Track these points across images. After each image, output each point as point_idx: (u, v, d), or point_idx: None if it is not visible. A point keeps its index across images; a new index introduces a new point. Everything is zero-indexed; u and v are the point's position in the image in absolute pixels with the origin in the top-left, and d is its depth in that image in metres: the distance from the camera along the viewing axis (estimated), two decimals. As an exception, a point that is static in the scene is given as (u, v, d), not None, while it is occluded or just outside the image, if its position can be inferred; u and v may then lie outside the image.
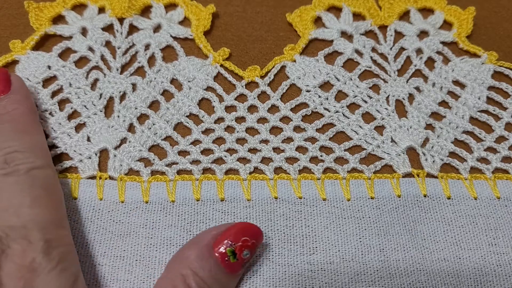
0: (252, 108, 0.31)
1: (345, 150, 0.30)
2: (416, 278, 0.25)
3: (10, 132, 0.25)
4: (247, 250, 0.23)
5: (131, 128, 0.30)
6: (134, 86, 0.31)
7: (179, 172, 0.28)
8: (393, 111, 0.31)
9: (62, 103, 0.30)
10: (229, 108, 0.31)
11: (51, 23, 0.33)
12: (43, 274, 0.21)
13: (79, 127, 0.30)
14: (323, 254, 0.26)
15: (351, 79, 0.33)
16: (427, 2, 0.36)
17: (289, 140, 0.30)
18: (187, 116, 0.30)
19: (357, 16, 0.36)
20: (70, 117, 0.30)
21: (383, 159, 0.29)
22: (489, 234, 0.27)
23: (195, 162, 0.29)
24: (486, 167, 0.29)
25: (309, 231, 0.26)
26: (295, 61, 0.33)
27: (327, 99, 0.32)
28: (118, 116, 0.30)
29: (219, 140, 0.30)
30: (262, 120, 0.31)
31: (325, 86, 0.32)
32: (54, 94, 0.31)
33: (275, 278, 0.25)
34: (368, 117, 0.31)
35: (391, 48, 0.34)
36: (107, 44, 0.33)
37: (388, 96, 0.32)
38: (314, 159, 0.29)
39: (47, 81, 0.31)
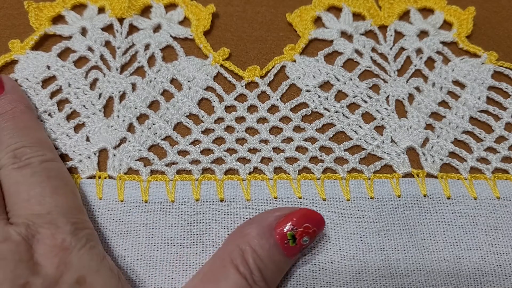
0: (252, 108, 0.31)
1: (345, 150, 0.30)
2: (416, 277, 0.25)
3: (14, 129, 0.26)
4: (307, 236, 0.24)
5: (130, 128, 0.30)
6: (133, 86, 0.31)
7: (178, 172, 0.28)
8: (393, 111, 0.31)
9: (61, 103, 0.30)
10: (229, 108, 0.31)
11: (50, 23, 0.33)
12: (74, 251, 0.22)
13: (78, 127, 0.30)
14: (324, 253, 0.26)
15: (351, 79, 0.33)
16: (427, 2, 0.36)
17: (289, 140, 0.30)
18: (187, 116, 0.30)
19: (357, 16, 0.36)
20: (69, 117, 0.30)
21: (383, 159, 0.29)
22: (489, 234, 0.27)
23: (195, 162, 0.29)
24: (486, 167, 0.29)
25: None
26: (295, 61, 0.33)
27: (327, 99, 0.32)
28: (118, 116, 0.30)
29: (219, 140, 0.30)
30: (262, 120, 0.31)
31: (325, 86, 0.32)
32: (53, 94, 0.31)
33: (277, 284, 0.25)
34: (368, 117, 0.31)
35: (391, 48, 0.34)
36: (107, 44, 0.33)
37: (388, 96, 0.32)
38: (314, 159, 0.29)
39: (46, 81, 0.31)
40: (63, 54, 0.32)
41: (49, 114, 0.30)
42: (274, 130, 0.30)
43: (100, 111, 0.30)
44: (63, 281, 0.21)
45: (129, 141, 0.29)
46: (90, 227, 0.24)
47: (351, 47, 0.34)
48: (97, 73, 0.31)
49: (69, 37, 0.33)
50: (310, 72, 0.33)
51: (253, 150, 0.30)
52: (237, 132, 0.30)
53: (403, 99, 0.32)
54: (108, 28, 0.33)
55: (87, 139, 0.29)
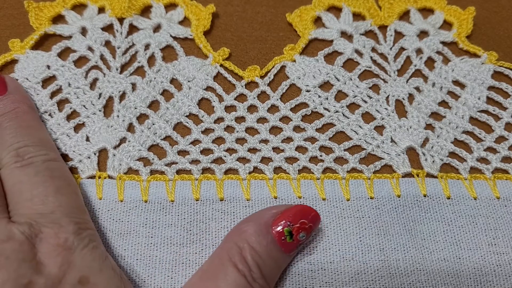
0: (252, 108, 0.31)
1: (344, 150, 0.30)
2: (416, 278, 0.25)
3: (17, 129, 0.26)
4: (303, 232, 0.24)
5: (130, 128, 0.30)
6: (133, 86, 0.31)
7: (178, 171, 0.28)
8: (393, 111, 0.31)
9: (61, 103, 0.30)
10: (229, 108, 0.31)
11: (51, 23, 0.33)
12: (77, 251, 0.22)
13: (78, 127, 0.30)
14: (323, 253, 0.26)
15: (351, 79, 0.33)
16: (427, 2, 0.36)
17: (288, 140, 0.30)
18: (186, 116, 0.30)
19: (357, 16, 0.36)
20: (69, 117, 0.30)
21: (383, 159, 0.29)
22: (488, 234, 0.27)
23: (195, 161, 0.29)
24: (486, 167, 0.29)
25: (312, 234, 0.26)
26: (295, 61, 0.33)
27: (327, 99, 0.32)
28: (118, 116, 0.30)
29: (219, 140, 0.30)
30: (262, 120, 0.31)
31: (325, 86, 0.32)
32: (53, 94, 0.31)
33: (276, 281, 0.25)
34: (368, 117, 0.31)
35: (391, 48, 0.34)
36: (107, 43, 0.33)
37: (388, 96, 0.32)
38: (313, 159, 0.29)
39: (46, 81, 0.31)
40: (63, 53, 0.32)
41: (50, 115, 0.30)
42: (274, 130, 0.30)
43: (100, 111, 0.30)
44: (65, 281, 0.21)
45: (129, 141, 0.29)
46: (92, 228, 0.24)
47: (351, 47, 0.34)
48: (97, 73, 0.31)
49: (69, 37, 0.33)
50: (310, 72, 0.33)
51: (253, 150, 0.29)
52: (237, 132, 0.30)
53: (403, 99, 0.32)
54: (108, 28, 0.34)
55: (87, 139, 0.29)
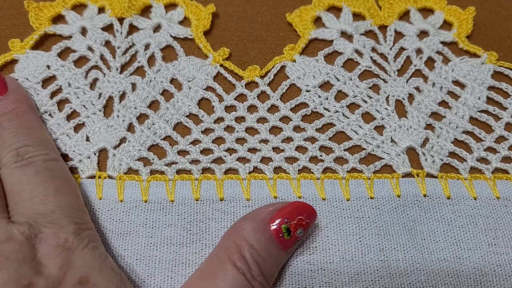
0: (252, 108, 0.31)
1: (344, 150, 0.30)
2: (416, 278, 0.25)
3: (17, 128, 0.26)
4: (301, 228, 0.24)
5: (130, 128, 0.30)
6: (133, 86, 0.31)
7: (178, 171, 0.28)
8: (393, 111, 0.31)
9: (61, 103, 0.30)
10: (229, 108, 0.31)
11: (50, 23, 0.33)
12: (77, 251, 0.22)
13: (78, 127, 0.30)
14: (323, 253, 0.26)
15: (351, 79, 0.33)
16: (427, 2, 0.36)
17: (288, 140, 0.30)
18: (186, 116, 0.30)
19: (357, 16, 0.36)
20: (69, 117, 0.30)
21: (383, 159, 0.29)
22: (488, 234, 0.27)
23: (195, 161, 0.29)
24: (486, 167, 0.29)
25: (309, 230, 0.26)
26: (295, 61, 0.33)
27: (327, 99, 0.32)
28: (118, 116, 0.30)
29: (219, 140, 0.30)
30: (262, 120, 0.31)
31: (325, 86, 0.32)
32: (53, 94, 0.31)
33: (275, 278, 0.25)
34: (368, 117, 0.31)
35: (391, 48, 0.34)
36: (107, 43, 0.33)
37: (388, 96, 0.32)
38: (313, 159, 0.29)
39: (46, 81, 0.31)
40: (63, 53, 0.32)
41: (50, 115, 0.30)
42: (274, 130, 0.30)
43: (100, 111, 0.30)
44: (66, 282, 0.21)
45: (129, 141, 0.29)
46: (92, 228, 0.24)
47: (351, 47, 0.34)
48: (97, 73, 0.31)
49: (69, 37, 0.33)
50: (310, 72, 0.33)
51: (253, 150, 0.29)
52: (237, 132, 0.30)
53: (403, 99, 0.32)
54: (108, 28, 0.34)
55: (87, 139, 0.29)
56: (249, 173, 0.28)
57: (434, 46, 0.34)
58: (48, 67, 0.31)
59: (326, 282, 0.25)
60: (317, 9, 0.35)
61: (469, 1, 0.37)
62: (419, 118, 0.31)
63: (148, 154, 0.29)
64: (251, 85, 0.32)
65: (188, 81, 0.32)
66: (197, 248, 0.26)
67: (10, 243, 0.21)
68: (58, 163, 0.26)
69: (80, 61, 0.32)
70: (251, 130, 0.30)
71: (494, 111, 0.32)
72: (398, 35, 0.35)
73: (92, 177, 0.28)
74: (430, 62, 0.34)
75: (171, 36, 0.34)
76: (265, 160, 0.29)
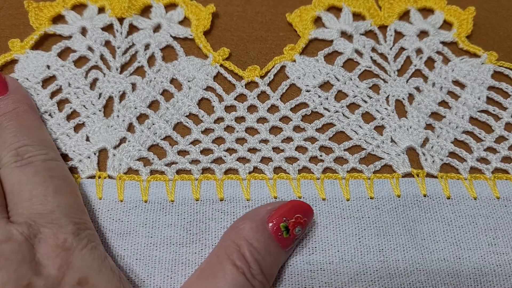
0: (251, 108, 0.31)
1: (344, 150, 0.30)
2: (415, 278, 0.25)
3: (17, 128, 0.26)
4: (299, 226, 0.24)
5: (130, 128, 0.30)
6: (133, 86, 0.31)
7: (178, 171, 0.28)
8: (393, 111, 0.31)
9: (61, 103, 0.30)
10: (229, 108, 0.31)
11: (50, 23, 0.33)
12: (76, 251, 0.22)
13: (78, 127, 0.30)
14: (323, 254, 0.26)
15: (351, 79, 0.33)
16: (427, 2, 0.36)
17: (288, 140, 0.30)
18: (186, 116, 0.30)
19: (357, 16, 0.36)
20: (69, 117, 0.30)
21: (383, 159, 0.29)
22: (488, 234, 0.27)
23: (195, 161, 0.29)
24: (486, 167, 0.29)
25: (307, 229, 0.26)
26: (295, 61, 0.33)
27: (327, 99, 0.32)
28: (118, 116, 0.30)
29: (219, 140, 0.30)
30: (262, 120, 0.31)
31: (325, 86, 0.32)
32: (53, 94, 0.31)
33: (274, 278, 0.25)
34: (368, 117, 0.31)
35: (391, 48, 0.34)
36: (107, 43, 0.33)
37: (388, 96, 0.32)
38: (313, 159, 0.29)
39: (46, 81, 0.31)
40: (63, 53, 0.32)
41: (50, 114, 0.30)
42: (274, 130, 0.30)
43: (100, 111, 0.30)
44: (65, 282, 0.21)
45: (129, 141, 0.29)
46: (92, 228, 0.24)
47: (351, 47, 0.34)
48: (97, 73, 0.31)
49: (69, 37, 0.33)
50: (310, 72, 0.33)
51: (253, 150, 0.29)
52: (237, 132, 0.30)
53: (403, 99, 0.32)
54: (108, 28, 0.34)
55: (87, 139, 0.29)
56: (249, 173, 0.28)
57: (434, 46, 0.34)
58: (48, 67, 0.31)
59: (325, 283, 0.25)
60: (317, 9, 0.35)
61: (469, 1, 0.37)
62: (419, 118, 0.31)
63: (148, 154, 0.29)
64: (251, 85, 0.32)
65: (188, 81, 0.32)
66: (197, 248, 0.26)
67: (9, 243, 0.21)
68: (58, 163, 0.26)
69: (80, 61, 0.32)
70: (251, 130, 0.30)
71: (494, 111, 0.32)
72: (398, 35, 0.35)
73: (92, 177, 0.28)
74: (430, 62, 0.34)
75: (171, 36, 0.34)
76: (265, 160, 0.29)
